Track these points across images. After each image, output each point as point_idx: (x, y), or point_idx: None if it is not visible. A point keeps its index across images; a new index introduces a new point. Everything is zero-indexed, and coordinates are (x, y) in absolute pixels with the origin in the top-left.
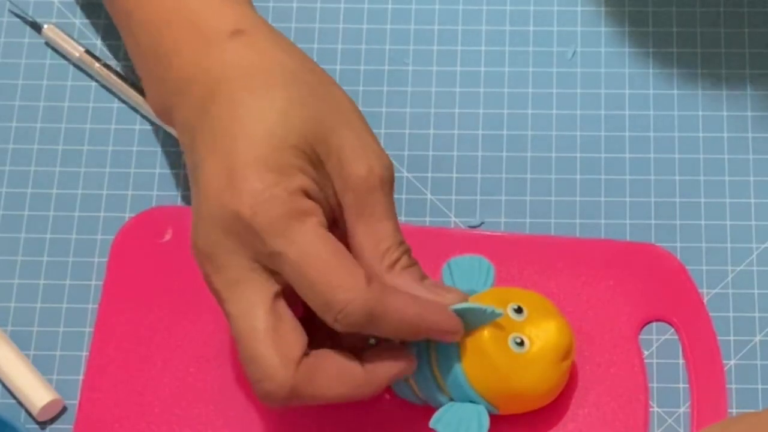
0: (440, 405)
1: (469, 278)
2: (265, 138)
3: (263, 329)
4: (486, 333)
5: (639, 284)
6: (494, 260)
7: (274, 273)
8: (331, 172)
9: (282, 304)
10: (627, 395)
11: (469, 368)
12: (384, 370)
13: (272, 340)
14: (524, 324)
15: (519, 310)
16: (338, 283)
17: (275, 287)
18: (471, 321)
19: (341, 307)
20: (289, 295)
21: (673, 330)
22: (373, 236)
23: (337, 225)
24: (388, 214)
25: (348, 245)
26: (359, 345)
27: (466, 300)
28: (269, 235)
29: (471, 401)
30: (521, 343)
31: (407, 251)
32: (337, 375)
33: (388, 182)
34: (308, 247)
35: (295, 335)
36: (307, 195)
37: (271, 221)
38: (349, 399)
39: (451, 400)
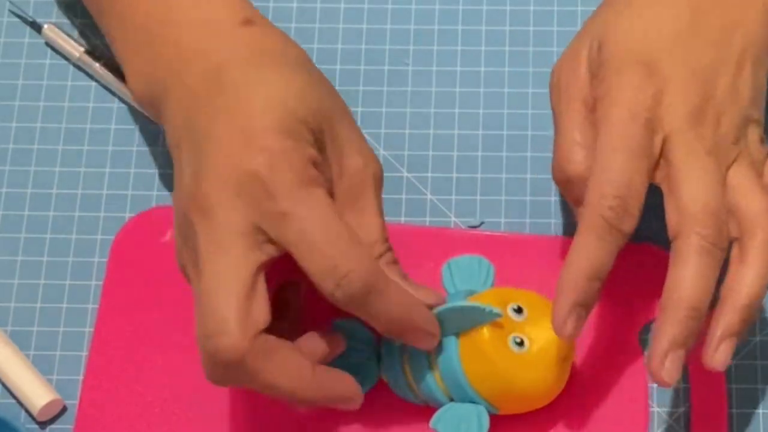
0: (440, 405)
1: (469, 278)
2: (281, 106)
3: (235, 291)
4: (486, 333)
5: (639, 284)
6: (494, 260)
7: (264, 245)
8: (331, 158)
9: (261, 279)
10: (627, 395)
11: (469, 368)
12: (331, 384)
13: (241, 303)
14: (524, 324)
15: (519, 310)
16: (345, 250)
17: (261, 259)
18: (471, 321)
19: (345, 273)
20: (268, 280)
21: None
22: (362, 227)
23: None
24: (377, 209)
25: None
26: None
27: (443, 302)
28: (283, 195)
29: (471, 401)
30: (521, 343)
31: (391, 250)
32: (287, 365)
33: (380, 181)
34: (319, 212)
35: (262, 311)
36: (315, 168)
37: (286, 181)
38: (289, 396)
39: (451, 400)
